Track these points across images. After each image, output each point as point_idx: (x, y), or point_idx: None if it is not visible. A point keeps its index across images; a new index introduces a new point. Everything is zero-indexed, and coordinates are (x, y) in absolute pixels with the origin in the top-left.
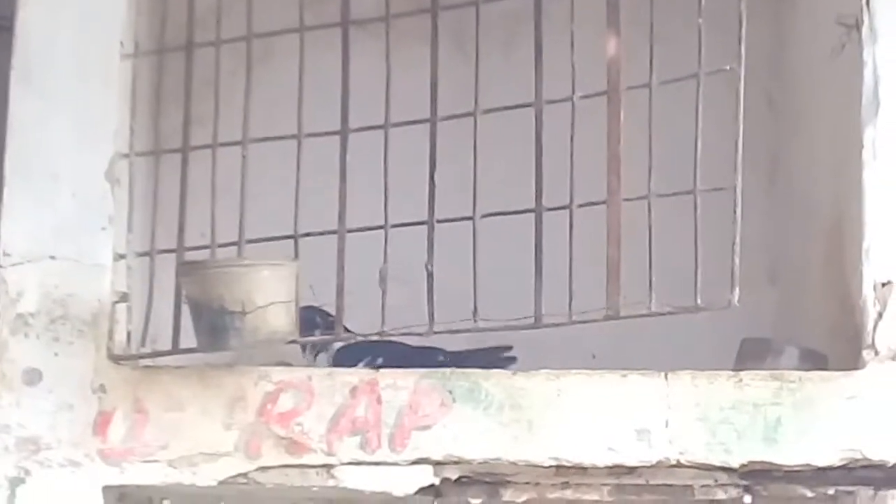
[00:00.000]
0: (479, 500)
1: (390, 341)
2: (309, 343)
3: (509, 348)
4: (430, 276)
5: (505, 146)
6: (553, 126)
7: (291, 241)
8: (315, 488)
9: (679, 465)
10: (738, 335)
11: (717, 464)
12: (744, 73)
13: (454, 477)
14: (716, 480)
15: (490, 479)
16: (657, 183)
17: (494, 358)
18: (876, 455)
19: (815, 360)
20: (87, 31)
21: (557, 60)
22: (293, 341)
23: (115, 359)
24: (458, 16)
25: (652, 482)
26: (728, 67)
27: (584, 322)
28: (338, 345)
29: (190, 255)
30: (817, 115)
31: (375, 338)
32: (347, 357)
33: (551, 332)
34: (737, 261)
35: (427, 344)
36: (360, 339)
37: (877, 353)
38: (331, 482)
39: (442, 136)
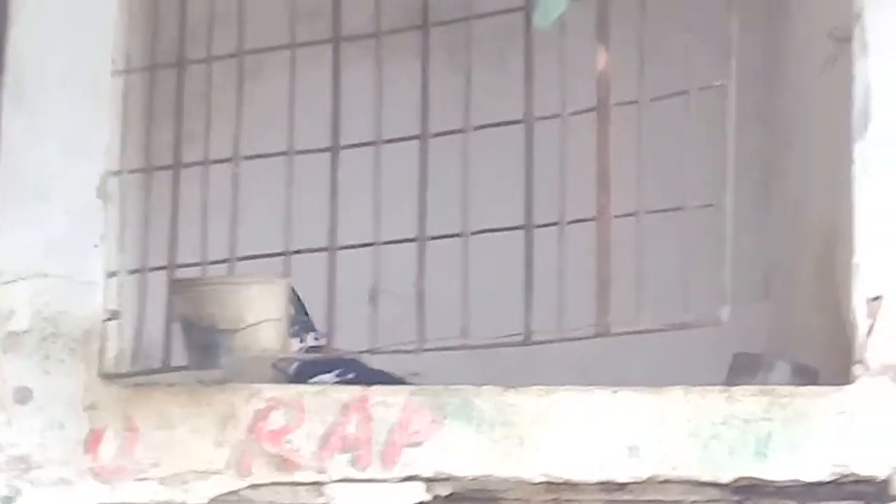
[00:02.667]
0: None
1: (354, 360)
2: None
3: None
4: (419, 294)
5: (497, 161)
6: (545, 141)
7: (283, 259)
8: None
9: (670, 481)
10: (731, 349)
11: (709, 479)
12: (736, 87)
13: (445, 494)
14: (707, 496)
15: (481, 495)
16: (651, 199)
17: None
18: (866, 471)
19: (806, 375)
20: (78, 47)
21: (551, 75)
22: (283, 359)
23: (106, 377)
24: (452, 30)
25: (643, 498)
26: (719, 83)
27: (574, 339)
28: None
29: (181, 273)
30: (809, 130)
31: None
32: (309, 371)
33: (545, 346)
34: (727, 278)
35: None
36: (349, 356)
37: (867, 368)
38: (321, 500)
39: (436, 151)
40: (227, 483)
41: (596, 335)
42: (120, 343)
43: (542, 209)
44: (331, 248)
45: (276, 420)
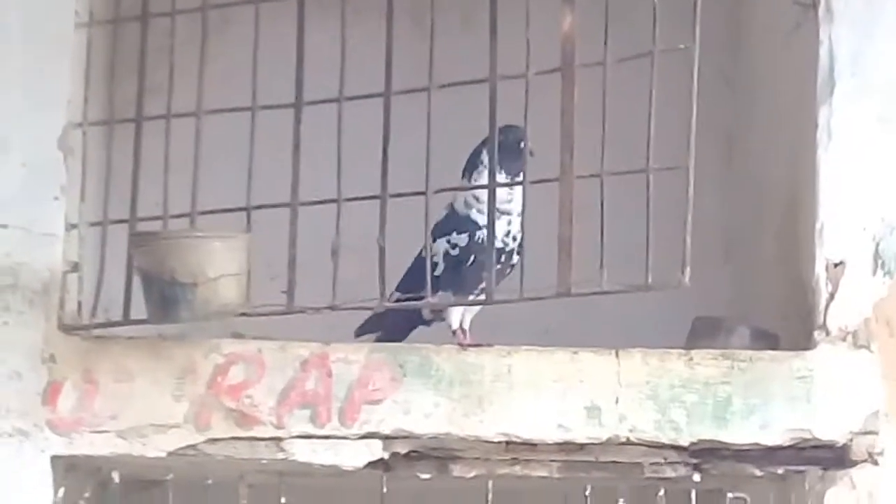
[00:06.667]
0: (428, 475)
1: None
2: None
3: None
4: (381, 251)
5: (461, 121)
6: (509, 102)
7: (244, 214)
8: (264, 461)
9: (629, 443)
10: (692, 313)
11: (667, 442)
12: (700, 52)
13: (404, 451)
14: (665, 459)
15: (439, 454)
16: (614, 161)
17: None
18: (825, 435)
19: (766, 340)
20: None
21: (516, 36)
22: (244, 314)
23: (66, 329)
24: None
25: (601, 459)
26: (683, 46)
27: (536, 299)
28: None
29: (142, 226)
30: (773, 95)
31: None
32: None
33: (505, 306)
34: (688, 241)
35: None
36: (310, 311)
37: (828, 333)
38: (280, 455)
39: (399, 110)
40: (186, 437)
41: (557, 295)
42: (80, 295)
43: None
44: (293, 204)
45: (236, 375)
